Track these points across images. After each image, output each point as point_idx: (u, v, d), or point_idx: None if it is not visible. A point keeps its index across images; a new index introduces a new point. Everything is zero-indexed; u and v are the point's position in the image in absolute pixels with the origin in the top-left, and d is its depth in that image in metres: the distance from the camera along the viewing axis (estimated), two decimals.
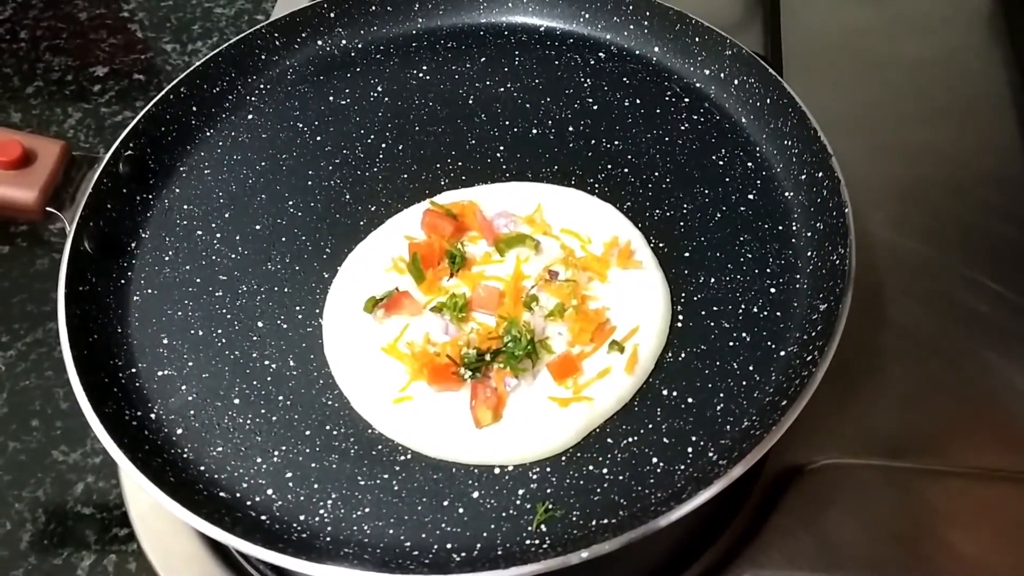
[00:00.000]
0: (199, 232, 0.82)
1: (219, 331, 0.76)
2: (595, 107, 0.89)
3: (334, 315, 0.77)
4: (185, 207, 0.83)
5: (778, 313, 0.74)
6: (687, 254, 0.79)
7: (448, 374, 0.71)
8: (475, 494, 0.67)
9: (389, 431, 0.70)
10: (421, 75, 0.93)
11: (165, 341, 0.75)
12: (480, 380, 0.71)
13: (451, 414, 0.70)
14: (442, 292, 0.76)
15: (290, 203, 0.84)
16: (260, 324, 0.76)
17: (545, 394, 0.71)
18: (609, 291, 0.76)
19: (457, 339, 0.73)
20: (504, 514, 0.66)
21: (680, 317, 0.76)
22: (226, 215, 0.83)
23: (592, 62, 0.93)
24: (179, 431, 0.71)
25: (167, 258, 0.80)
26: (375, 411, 0.71)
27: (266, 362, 0.74)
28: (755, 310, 0.75)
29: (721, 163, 0.84)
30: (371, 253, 0.80)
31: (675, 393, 0.71)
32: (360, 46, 0.95)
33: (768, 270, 0.77)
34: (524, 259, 0.78)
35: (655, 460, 0.68)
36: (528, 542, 0.64)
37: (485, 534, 0.65)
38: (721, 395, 0.71)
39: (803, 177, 0.81)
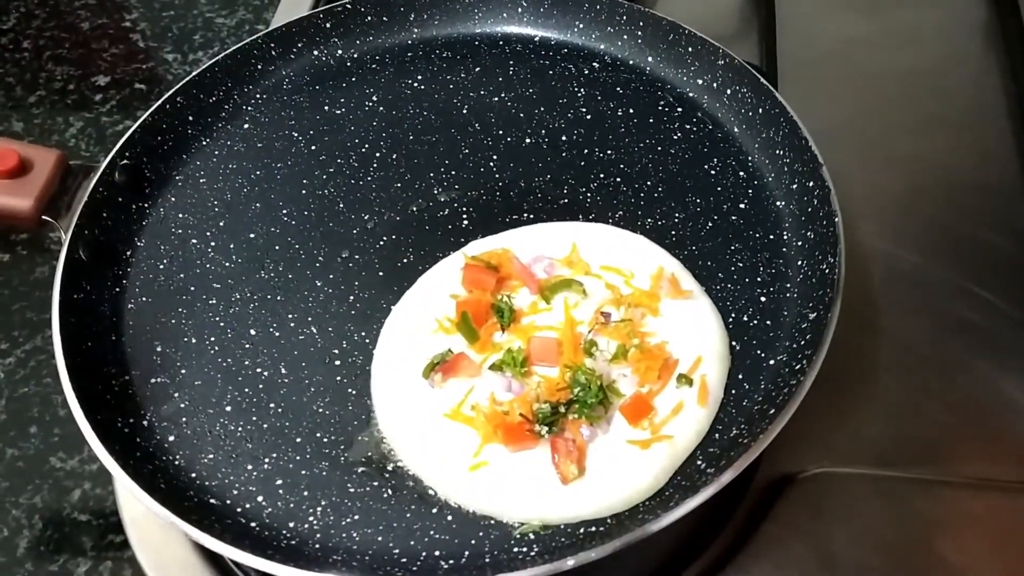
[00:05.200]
0: (193, 240, 0.83)
1: (212, 339, 0.76)
2: (588, 116, 0.89)
3: (386, 388, 0.73)
4: (180, 216, 0.84)
5: (768, 322, 0.75)
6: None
7: (523, 432, 0.68)
8: None
9: (471, 501, 0.67)
10: (416, 85, 0.93)
11: (158, 349, 0.76)
12: (557, 434, 0.68)
13: (531, 473, 0.68)
14: (495, 349, 0.73)
15: (284, 212, 0.84)
16: (253, 332, 0.77)
17: (623, 439, 0.68)
18: (663, 324, 0.74)
19: (525, 395, 0.70)
20: (492, 522, 0.66)
21: None
22: (220, 223, 0.84)
23: (586, 72, 0.93)
24: (171, 438, 0.71)
25: (161, 266, 0.81)
26: (452, 483, 0.68)
27: (258, 370, 0.75)
28: (745, 318, 0.75)
29: (713, 172, 0.85)
30: (410, 317, 0.77)
31: None
32: (355, 56, 0.96)
33: (758, 279, 0.77)
34: (573, 304, 0.75)
35: None
36: (515, 550, 0.65)
37: (473, 541, 0.65)
38: None
39: (794, 186, 0.81)
